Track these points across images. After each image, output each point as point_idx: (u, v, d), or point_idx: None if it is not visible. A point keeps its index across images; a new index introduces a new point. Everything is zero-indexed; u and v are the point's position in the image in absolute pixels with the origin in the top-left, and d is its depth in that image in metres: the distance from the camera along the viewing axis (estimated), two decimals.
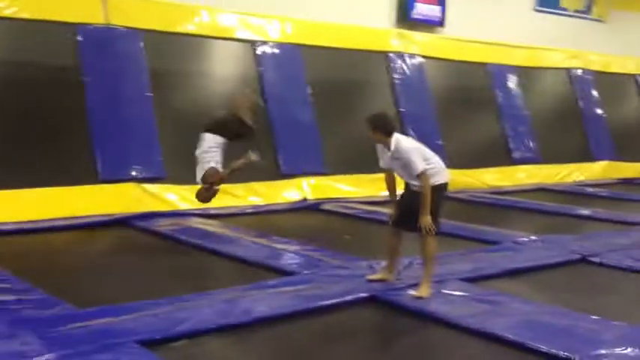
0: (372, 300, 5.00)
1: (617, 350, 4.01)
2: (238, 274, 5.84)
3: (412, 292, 5.04)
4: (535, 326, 4.42)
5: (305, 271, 5.63)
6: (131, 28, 8.80)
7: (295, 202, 9.24)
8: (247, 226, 7.63)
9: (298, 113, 10.00)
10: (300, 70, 10.22)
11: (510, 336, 4.23)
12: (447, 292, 5.13)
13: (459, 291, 5.16)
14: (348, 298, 4.95)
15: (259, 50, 9.93)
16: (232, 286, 5.14)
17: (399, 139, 5.16)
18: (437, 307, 4.79)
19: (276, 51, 10.08)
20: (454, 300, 4.96)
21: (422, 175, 5.04)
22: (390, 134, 5.13)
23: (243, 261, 6.09)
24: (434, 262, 5.16)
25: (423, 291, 5.02)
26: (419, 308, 4.79)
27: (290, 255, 6.26)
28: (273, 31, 10.13)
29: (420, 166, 5.03)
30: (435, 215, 5.06)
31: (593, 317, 4.64)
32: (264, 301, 4.76)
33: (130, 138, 8.51)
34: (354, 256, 6.18)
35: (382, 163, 5.36)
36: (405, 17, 12.41)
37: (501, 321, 4.49)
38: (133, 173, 8.35)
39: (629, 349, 4.03)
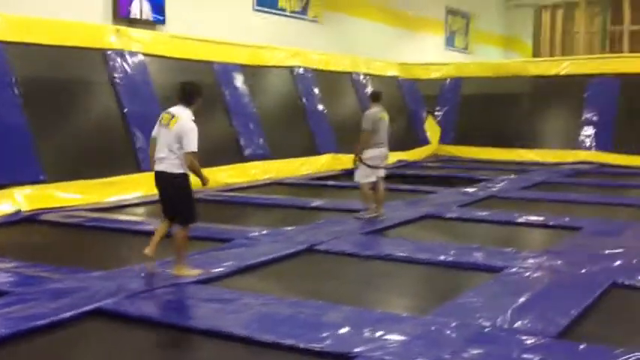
0: (98, 313, 4.72)
1: (339, 331, 4.22)
2: None
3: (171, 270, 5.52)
4: (263, 319, 4.50)
5: (19, 290, 5.11)
6: None
7: (7, 216, 8.34)
8: None
9: (4, 116, 9.07)
10: (4, 68, 9.29)
11: (240, 331, 4.25)
12: (178, 296, 5.03)
13: (191, 293, 5.08)
14: (69, 314, 4.59)
15: None
16: None
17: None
18: (166, 313, 4.68)
19: None
20: (185, 303, 4.87)
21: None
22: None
23: None
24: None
25: (178, 269, 5.51)
26: (147, 316, 4.62)
27: (1, 274, 5.62)
28: None
29: None
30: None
31: (318, 302, 4.85)
32: None
33: None
34: (79, 268, 5.79)
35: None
36: (123, 13, 12.01)
37: (232, 318, 4.50)
38: None
39: (347, 329, 4.26)
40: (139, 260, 5.75)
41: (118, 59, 11.01)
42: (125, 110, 10.78)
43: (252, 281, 5.74)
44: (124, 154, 10.63)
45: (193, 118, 5.54)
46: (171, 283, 5.31)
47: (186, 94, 5.59)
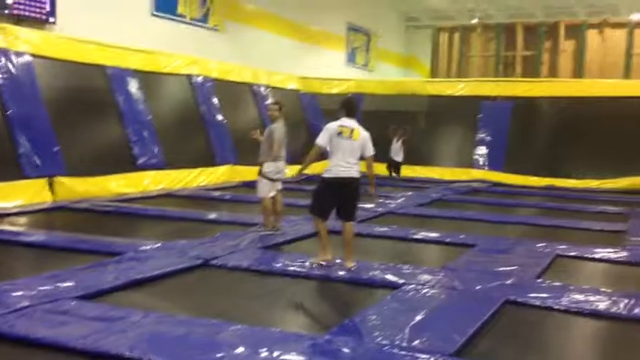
0: None
1: (234, 351, 4.01)
2: None
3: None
4: (153, 338, 4.23)
5: None
6: None
7: None
8: None
9: None
10: None
11: (127, 353, 3.97)
12: (59, 313, 4.67)
13: (74, 311, 4.73)
14: None
15: None
16: None
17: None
18: (45, 332, 4.30)
19: None
20: (66, 321, 4.51)
21: None
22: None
23: None
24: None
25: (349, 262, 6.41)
26: (23, 335, 4.25)
27: None
28: None
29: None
30: None
31: (212, 321, 4.61)
32: None
33: None
34: None
35: None
36: (4, 8, 11.30)
37: (118, 337, 4.20)
38: None
39: (243, 349, 4.05)
40: (19, 274, 5.29)
41: (3, 59, 10.32)
42: (8, 113, 10.12)
43: (142, 298, 5.44)
44: (4, 159, 9.95)
45: None
46: (52, 299, 4.92)
47: (354, 108, 6.54)
